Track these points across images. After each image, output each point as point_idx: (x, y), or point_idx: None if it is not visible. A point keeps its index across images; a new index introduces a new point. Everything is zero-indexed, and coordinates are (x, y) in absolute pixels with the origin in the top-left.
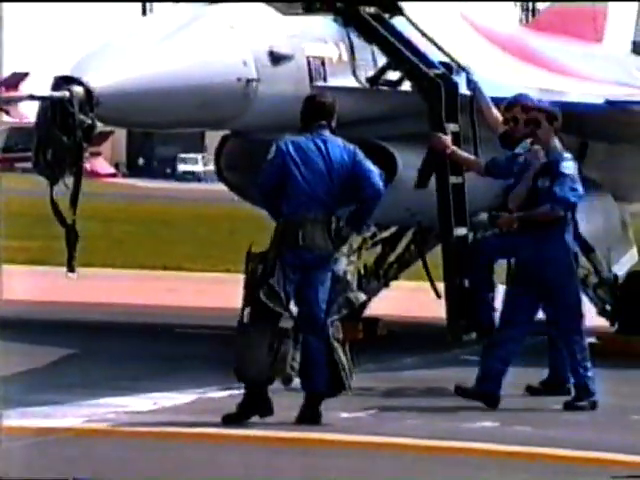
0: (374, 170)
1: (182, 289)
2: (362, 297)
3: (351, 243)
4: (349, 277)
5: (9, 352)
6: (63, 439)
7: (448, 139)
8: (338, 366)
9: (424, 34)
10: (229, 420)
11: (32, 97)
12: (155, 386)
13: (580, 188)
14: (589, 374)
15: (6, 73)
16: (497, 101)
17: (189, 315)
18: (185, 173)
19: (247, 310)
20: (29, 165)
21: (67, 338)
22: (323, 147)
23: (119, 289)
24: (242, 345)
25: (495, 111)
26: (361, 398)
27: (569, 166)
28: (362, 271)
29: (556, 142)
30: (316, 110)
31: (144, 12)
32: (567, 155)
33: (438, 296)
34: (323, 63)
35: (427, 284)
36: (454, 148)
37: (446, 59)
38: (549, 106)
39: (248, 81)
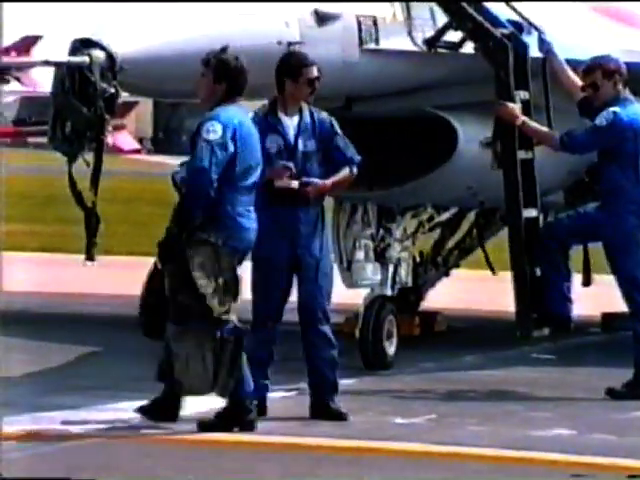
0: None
1: None
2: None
3: (405, 227)
4: None
5: (11, 349)
6: (84, 446)
7: (517, 108)
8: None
9: None
10: (203, 428)
11: (47, 63)
12: None
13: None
14: None
15: (17, 36)
16: (574, 64)
17: None
18: None
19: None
20: (43, 140)
21: (80, 333)
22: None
23: (141, 279)
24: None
25: (572, 75)
26: (417, 402)
27: None
28: (418, 258)
29: None
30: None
31: None
32: None
33: (493, 272)
34: (375, 23)
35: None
36: (524, 118)
37: (515, 17)
38: None
39: (290, 44)
